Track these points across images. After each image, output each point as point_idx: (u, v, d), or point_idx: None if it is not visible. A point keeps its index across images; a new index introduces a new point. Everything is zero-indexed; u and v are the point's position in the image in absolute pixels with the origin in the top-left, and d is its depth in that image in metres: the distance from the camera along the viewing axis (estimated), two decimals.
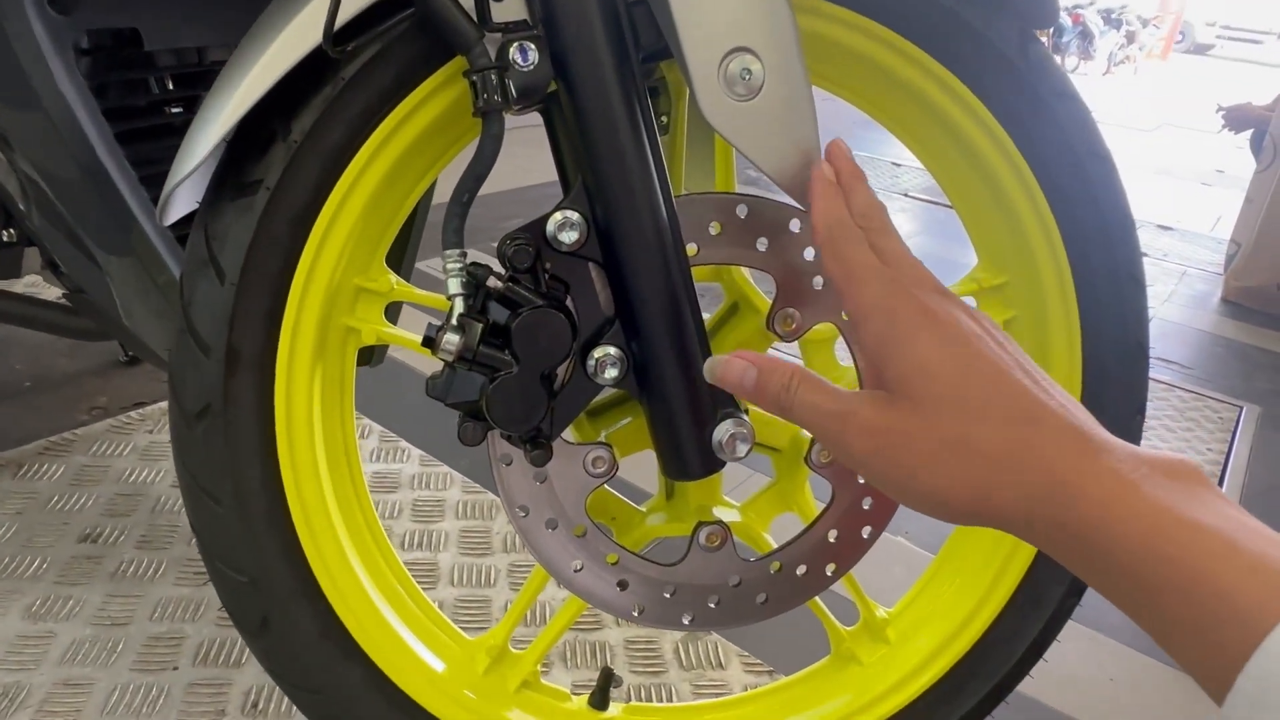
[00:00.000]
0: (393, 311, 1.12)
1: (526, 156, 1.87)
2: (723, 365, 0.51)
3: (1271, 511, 1.73)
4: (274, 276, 0.66)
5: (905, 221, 3.38)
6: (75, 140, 0.76)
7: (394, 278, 0.72)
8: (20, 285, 1.68)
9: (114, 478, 1.32)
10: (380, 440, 1.50)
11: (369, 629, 0.73)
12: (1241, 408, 2.15)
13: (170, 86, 0.90)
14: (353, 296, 0.70)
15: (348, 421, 0.74)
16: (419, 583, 1.19)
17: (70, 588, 1.11)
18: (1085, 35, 10.47)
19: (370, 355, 1.08)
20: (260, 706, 0.97)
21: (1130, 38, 11.90)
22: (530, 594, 0.80)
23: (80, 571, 1.14)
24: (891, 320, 0.46)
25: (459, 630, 0.79)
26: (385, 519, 1.31)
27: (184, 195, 0.68)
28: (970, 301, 0.79)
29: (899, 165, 4.30)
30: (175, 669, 1.01)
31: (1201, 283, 3.07)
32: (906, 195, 3.75)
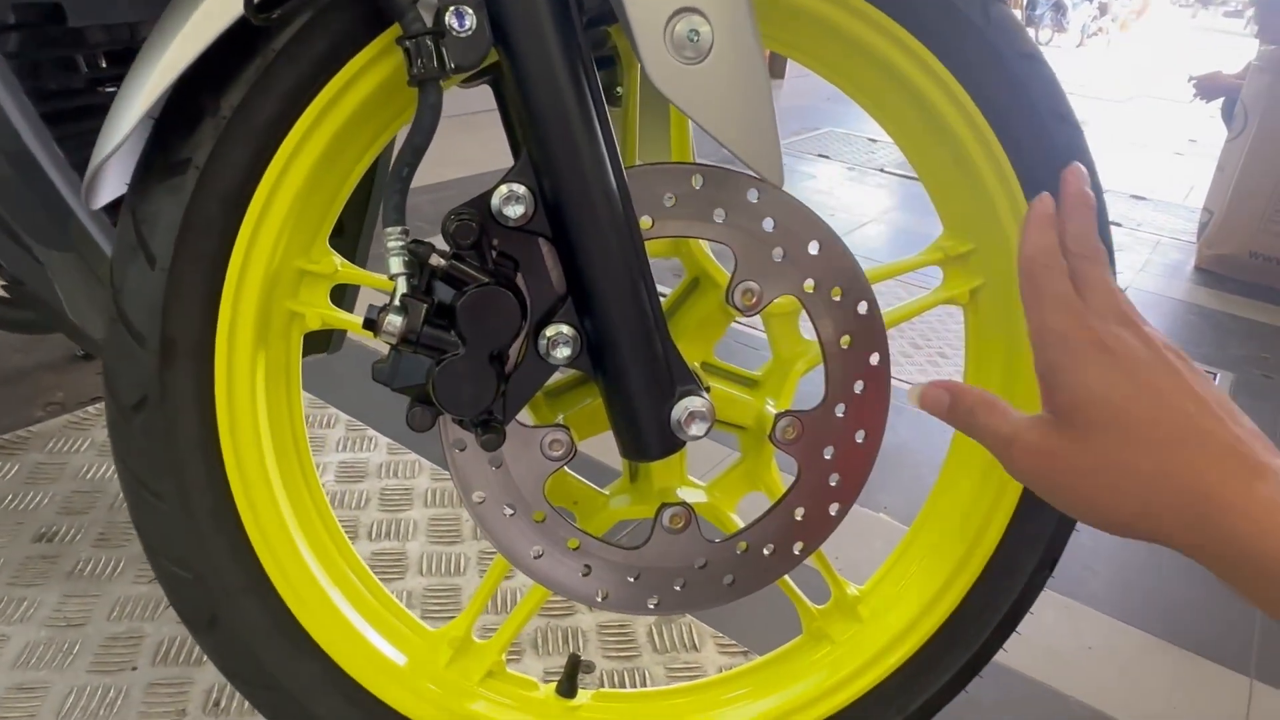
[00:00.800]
0: (351, 295, 1.09)
1: (498, 139, 1.84)
2: (923, 390, 0.58)
3: None
4: (208, 260, 0.63)
5: (882, 197, 3.36)
6: None
7: (339, 259, 0.69)
8: None
9: (71, 474, 1.28)
10: (347, 429, 1.47)
11: (324, 623, 0.71)
12: (1215, 375, 2.15)
13: (104, 65, 0.86)
14: (295, 280, 0.68)
15: (295, 410, 0.71)
16: (387, 573, 1.17)
17: (25, 589, 1.08)
18: (1058, 7, 10.47)
19: (327, 342, 1.05)
20: (223, 705, 0.95)
21: (1103, 9, 11.91)
22: (492, 582, 0.78)
23: (36, 572, 1.11)
24: (1064, 348, 0.49)
25: (420, 621, 0.77)
26: (352, 509, 1.28)
27: (113, 177, 0.65)
28: (937, 272, 0.78)
29: (875, 141, 4.28)
30: (134, 669, 0.99)
31: (1175, 251, 3.08)
32: (882, 170, 3.74)
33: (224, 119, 0.60)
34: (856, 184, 3.52)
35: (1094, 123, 5.29)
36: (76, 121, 0.80)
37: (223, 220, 0.62)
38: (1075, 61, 9.18)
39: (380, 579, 1.16)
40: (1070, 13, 10.66)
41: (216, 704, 0.95)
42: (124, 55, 0.86)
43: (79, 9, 0.74)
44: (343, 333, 1.09)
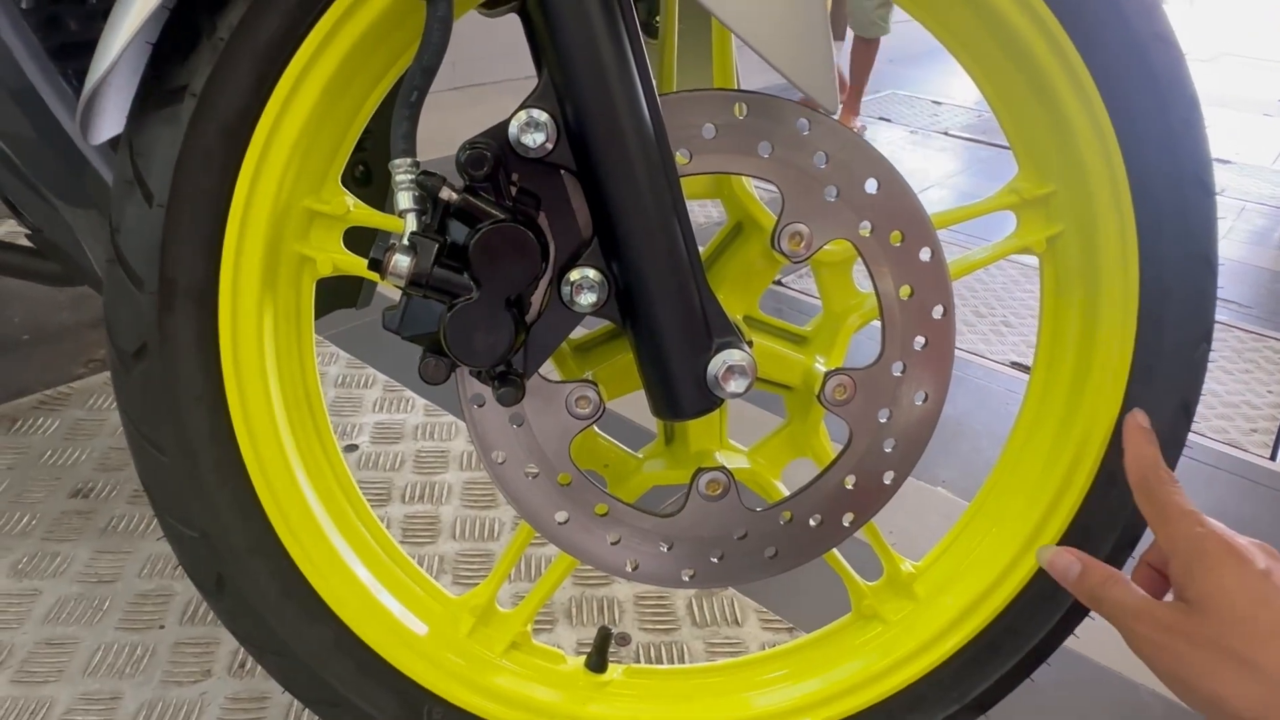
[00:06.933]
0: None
1: None
2: (1053, 553, 0.61)
3: None
4: (209, 197, 0.58)
5: (946, 160, 3.22)
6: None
7: (351, 200, 0.64)
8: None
9: (109, 431, 1.28)
10: (384, 390, 1.44)
11: (338, 588, 0.67)
12: None
13: None
14: (305, 221, 0.63)
15: (308, 362, 0.67)
16: (419, 537, 1.14)
17: (58, 544, 1.07)
18: None
19: (355, 295, 1.01)
20: (248, 666, 0.93)
21: None
22: (518, 548, 0.73)
23: (70, 528, 1.10)
24: (1200, 553, 0.53)
25: (440, 588, 0.73)
26: (386, 470, 1.25)
27: (113, 109, 0.61)
28: (1010, 217, 0.70)
29: (939, 104, 4.11)
30: (162, 627, 0.97)
31: (1261, 218, 2.89)
32: (947, 134, 3.58)
33: (221, 41, 0.55)
34: (920, 147, 3.37)
35: None
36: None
37: (224, 153, 0.58)
38: None
39: (412, 543, 1.13)
40: None
41: (242, 665, 0.93)
42: None
43: None
44: (373, 285, 1.05)
